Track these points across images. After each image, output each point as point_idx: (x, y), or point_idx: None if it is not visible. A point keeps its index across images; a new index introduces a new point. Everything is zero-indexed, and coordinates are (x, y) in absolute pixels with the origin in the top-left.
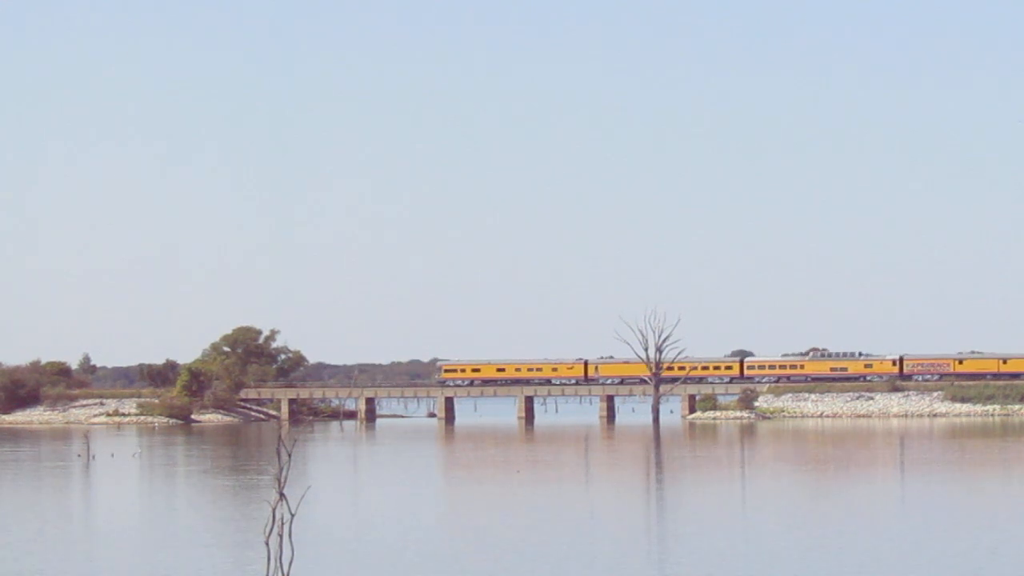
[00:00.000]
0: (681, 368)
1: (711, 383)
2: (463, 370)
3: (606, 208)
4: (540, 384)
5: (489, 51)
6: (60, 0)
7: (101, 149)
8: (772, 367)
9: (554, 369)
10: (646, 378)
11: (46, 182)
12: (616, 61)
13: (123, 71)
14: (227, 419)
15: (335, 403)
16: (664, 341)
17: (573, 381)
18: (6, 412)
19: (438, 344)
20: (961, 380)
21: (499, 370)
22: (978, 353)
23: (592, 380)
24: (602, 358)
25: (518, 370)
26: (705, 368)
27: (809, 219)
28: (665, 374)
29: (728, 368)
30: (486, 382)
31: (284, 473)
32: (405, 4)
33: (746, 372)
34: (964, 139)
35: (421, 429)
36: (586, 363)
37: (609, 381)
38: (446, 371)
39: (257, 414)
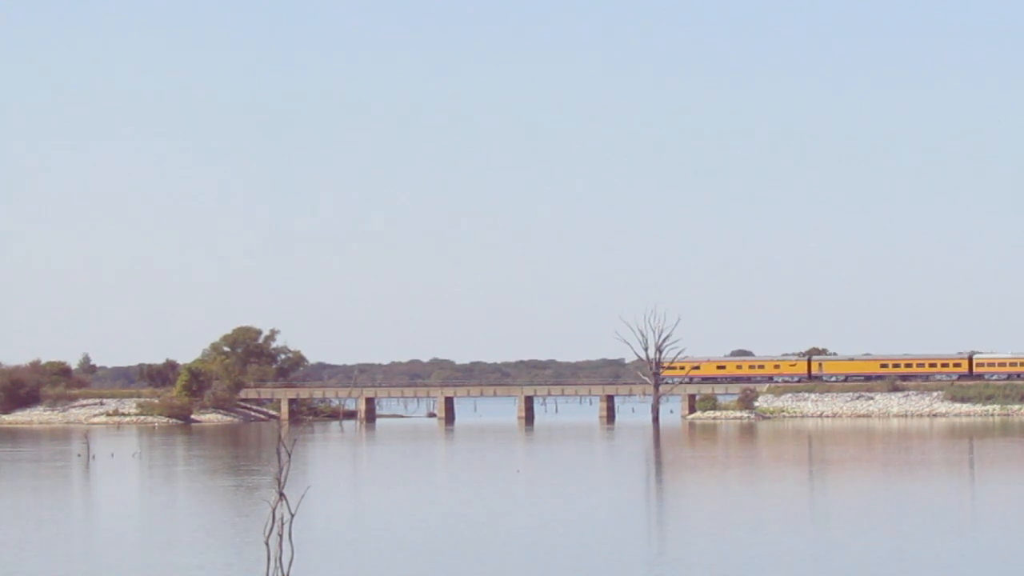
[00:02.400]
0: (908, 365)
1: (939, 379)
2: (682, 367)
3: (606, 208)
4: (762, 381)
5: (489, 51)
6: (60, 0)
7: (101, 149)
8: (1003, 364)
9: (776, 366)
10: (872, 375)
11: (46, 182)
12: (616, 61)
13: (124, 71)
14: (227, 419)
15: (335, 403)
16: (664, 341)
17: (796, 378)
18: (6, 412)
19: (438, 344)
20: None
21: (719, 367)
22: None
23: (816, 377)
24: (827, 354)
25: (739, 367)
26: (932, 365)
27: (809, 219)
28: (890, 371)
29: (956, 365)
30: (706, 379)
31: (284, 473)
32: (405, 4)
33: (975, 369)
34: (965, 139)
35: (421, 429)
36: (810, 360)
37: (834, 378)
38: (664, 368)
39: (257, 414)
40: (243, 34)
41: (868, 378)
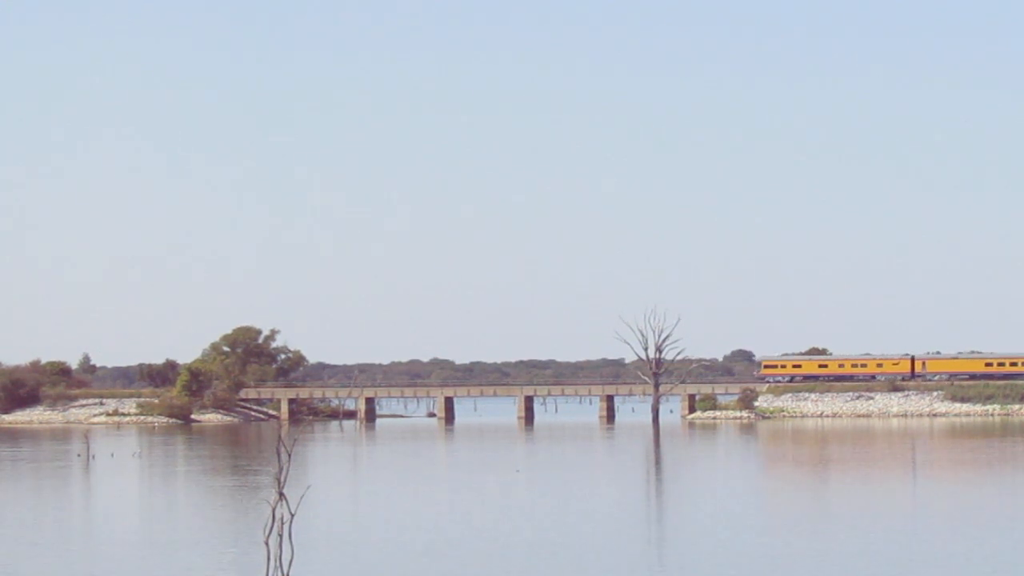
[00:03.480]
0: (1013, 364)
1: None
2: (783, 366)
3: (606, 208)
4: (864, 380)
5: (489, 51)
6: (60, 0)
7: (101, 149)
8: None
9: (879, 365)
10: (976, 374)
11: (46, 182)
12: (615, 61)
13: (123, 71)
14: (227, 419)
15: (335, 403)
16: (664, 341)
17: (899, 377)
18: (6, 412)
19: (438, 344)
20: None
21: (821, 366)
22: None
23: (919, 375)
24: (929, 353)
25: (841, 366)
26: None
27: (811, 219)
28: (995, 370)
29: None
30: (807, 377)
31: (284, 473)
32: (405, 4)
33: None
34: (965, 139)
35: (421, 429)
36: (913, 359)
37: (937, 377)
38: (766, 367)
39: (257, 414)
40: (242, 34)
41: (972, 377)
